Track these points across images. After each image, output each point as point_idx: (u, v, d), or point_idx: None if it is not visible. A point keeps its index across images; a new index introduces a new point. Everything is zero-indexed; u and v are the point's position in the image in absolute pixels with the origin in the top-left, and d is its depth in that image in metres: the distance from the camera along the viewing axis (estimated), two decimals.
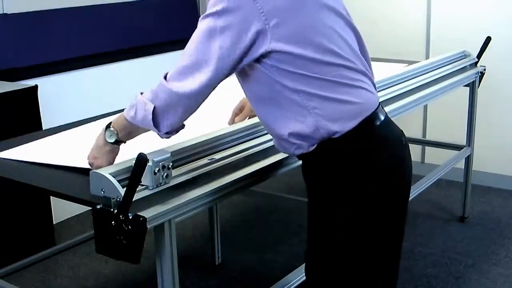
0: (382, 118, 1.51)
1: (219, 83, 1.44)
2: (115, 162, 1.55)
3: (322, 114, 1.42)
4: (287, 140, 1.48)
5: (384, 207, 1.48)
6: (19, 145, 2.07)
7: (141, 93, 1.49)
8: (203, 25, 1.40)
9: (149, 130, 1.51)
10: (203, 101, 1.46)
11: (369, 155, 1.45)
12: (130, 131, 1.53)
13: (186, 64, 1.41)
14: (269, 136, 1.85)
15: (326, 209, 1.48)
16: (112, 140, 1.54)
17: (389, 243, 1.54)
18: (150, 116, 1.43)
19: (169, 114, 1.44)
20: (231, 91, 2.67)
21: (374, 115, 1.47)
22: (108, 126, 1.54)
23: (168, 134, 1.50)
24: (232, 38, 1.36)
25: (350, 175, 1.44)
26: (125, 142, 1.57)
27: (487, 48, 3.25)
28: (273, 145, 1.82)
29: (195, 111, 1.48)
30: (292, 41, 1.38)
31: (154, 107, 1.43)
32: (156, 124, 1.45)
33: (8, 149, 2.01)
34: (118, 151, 1.58)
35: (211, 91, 1.45)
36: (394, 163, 1.50)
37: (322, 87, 1.41)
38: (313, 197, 1.52)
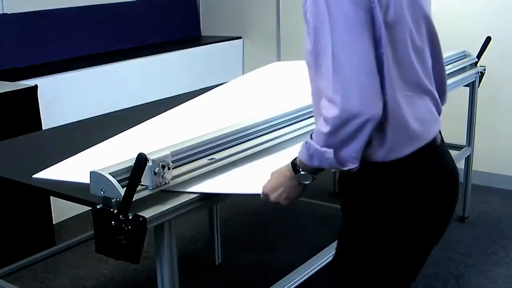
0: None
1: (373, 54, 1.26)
2: (115, 162, 1.54)
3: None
4: None
5: (431, 231, 1.47)
6: (19, 145, 2.08)
7: (311, 136, 1.33)
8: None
9: None
10: (377, 91, 1.26)
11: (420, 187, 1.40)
12: (321, 170, 1.41)
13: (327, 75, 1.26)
14: (268, 136, 1.85)
15: (373, 224, 1.43)
16: (309, 181, 1.43)
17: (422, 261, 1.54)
18: (336, 164, 1.30)
19: (353, 142, 1.27)
20: (231, 92, 2.68)
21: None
22: (296, 170, 1.41)
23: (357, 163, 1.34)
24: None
25: (407, 194, 1.39)
26: None
27: (487, 48, 3.25)
28: (273, 145, 1.83)
29: (378, 113, 1.26)
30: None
31: (333, 149, 1.28)
32: (345, 162, 1.31)
33: (8, 149, 2.01)
34: None
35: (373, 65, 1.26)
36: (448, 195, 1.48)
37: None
38: (358, 211, 1.46)
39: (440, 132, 1.48)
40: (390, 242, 1.42)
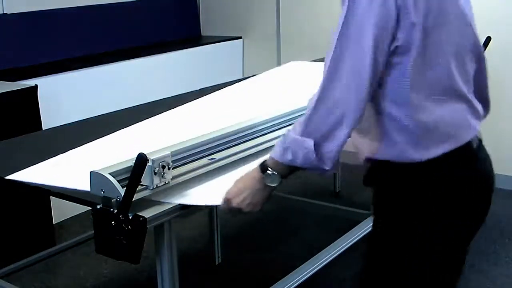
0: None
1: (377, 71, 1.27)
2: (115, 162, 1.54)
3: None
4: None
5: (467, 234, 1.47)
6: (19, 145, 2.08)
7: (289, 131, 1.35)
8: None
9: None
10: (367, 97, 1.27)
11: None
12: (291, 171, 1.38)
13: (327, 69, 1.27)
14: (268, 136, 1.85)
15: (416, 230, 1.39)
16: (276, 184, 1.38)
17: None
18: (314, 155, 1.29)
19: (332, 137, 1.28)
20: (245, 91, 2.68)
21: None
22: (264, 170, 1.38)
23: (333, 167, 1.34)
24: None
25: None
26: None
27: (487, 48, 3.25)
28: (273, 145, 1.83)
29: (359, 115, 1.28)
30: None
31: (313, 140, 1.28)
32: (321, 158, 1.30)
33: (8, 149, 2.01)
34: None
35: (371, 82, 1.26)
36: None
37: None
38: (388, 213, 1.42)
39: (478, 137, 1.43)
40: (415, 245, 1.39)
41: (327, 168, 1.32)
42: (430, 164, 1.33)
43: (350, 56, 1.25)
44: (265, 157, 1.42)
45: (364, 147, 1.41)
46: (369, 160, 1.40)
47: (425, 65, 1.29)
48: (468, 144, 1.37)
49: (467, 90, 1.38)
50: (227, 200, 1.42)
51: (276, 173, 1.37)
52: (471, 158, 1.40)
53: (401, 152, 1.33)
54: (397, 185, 1.38)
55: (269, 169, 1.37)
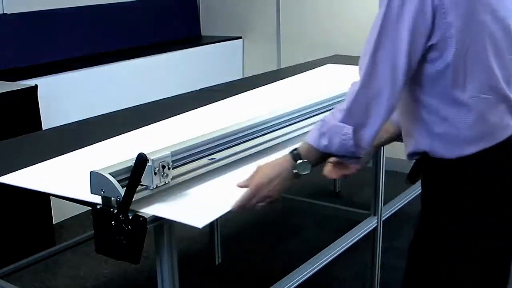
0: None
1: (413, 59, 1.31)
2: (116, 162, 1.54)
3: None
4: None
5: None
6: (19, 145, 2.08)
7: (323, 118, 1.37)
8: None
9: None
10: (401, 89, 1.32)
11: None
12: (322, 159, 1.41)
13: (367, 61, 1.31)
14: (269, 136, 1.85)
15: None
16: (307, 172, 1.39)
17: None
18: (352, 141, 1.33)
19: (369, 126, 1.33)
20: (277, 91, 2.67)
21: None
22: (296, 157, 1.39)
23: (363, 155, 1.38)
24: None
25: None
26: None
27: None
28: (272, 146, 1.83)
29: (393, 107, 1.34)
30: None
31: (352, 127, 1.32)
32: (358, 145, 1.34)
33: (8, 149, 2.01)
34: None
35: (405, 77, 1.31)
36: None
37: None
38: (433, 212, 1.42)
39: None
40: (447, 242, 1.39)
41: (360, 156, 1.35)
42: (465, 161, 1.35)
43: (388, 51, 1.29)
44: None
45: (407, 143, 1.44)
46: (411, 155, 1.44)
47: (467, 63, 1.31)
48: (506, 141, 1.38)
49: (508, 89, 1.39)
50: (256, 189, 1.40)
51: (307, 161, 1.38)
52: (509, 155, 1.40)
53: (439, 145, 1.36)
54: (435, 182, 1.40)
55: (304, 157, 1.38)
